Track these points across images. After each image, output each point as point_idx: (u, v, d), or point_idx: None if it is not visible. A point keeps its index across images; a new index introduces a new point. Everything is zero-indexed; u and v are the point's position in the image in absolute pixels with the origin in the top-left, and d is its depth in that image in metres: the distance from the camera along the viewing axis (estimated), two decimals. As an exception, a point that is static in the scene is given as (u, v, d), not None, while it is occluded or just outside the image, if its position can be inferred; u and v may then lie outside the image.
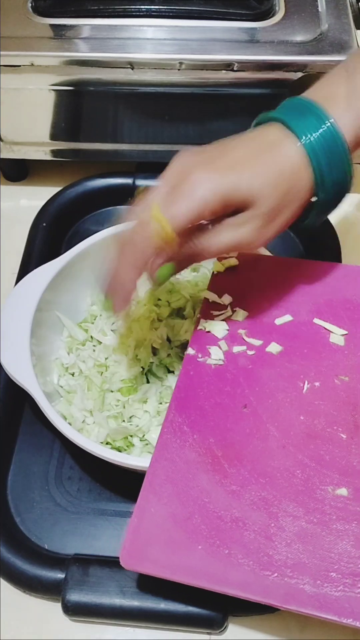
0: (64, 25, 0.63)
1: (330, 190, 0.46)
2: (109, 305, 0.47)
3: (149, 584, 0.48)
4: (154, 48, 0.61)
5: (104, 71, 0.62)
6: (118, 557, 0.51)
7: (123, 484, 0.55)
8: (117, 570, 0.49)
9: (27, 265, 0.65)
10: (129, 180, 0.71)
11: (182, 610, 0.47)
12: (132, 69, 0.61)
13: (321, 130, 0.44)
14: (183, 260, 0.47)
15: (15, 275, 0.65)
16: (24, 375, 0.52)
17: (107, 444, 0.53)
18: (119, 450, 0.52)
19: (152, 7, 0.64)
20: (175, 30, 0.63)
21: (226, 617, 0.48)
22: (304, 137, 0.44)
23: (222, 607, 0.47)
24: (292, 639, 0.49)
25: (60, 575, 0.49)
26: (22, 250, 0.68)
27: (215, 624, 0.47)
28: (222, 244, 0.45)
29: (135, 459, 0.50)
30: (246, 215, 0.44)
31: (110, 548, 0.52)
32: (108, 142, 0.69)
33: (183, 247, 0.45)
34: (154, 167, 0.70)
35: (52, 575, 0.49)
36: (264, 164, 0.44)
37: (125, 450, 0.53)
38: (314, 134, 0.44)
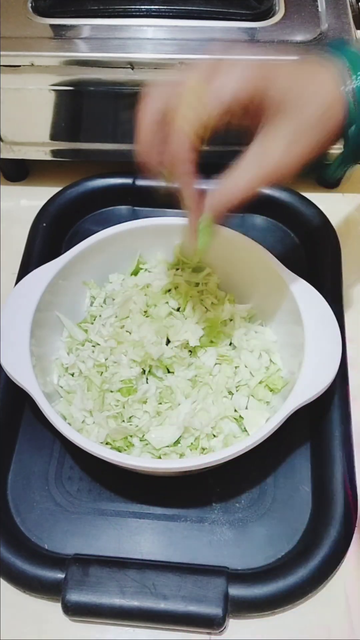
0: (64, 25, 0.63)
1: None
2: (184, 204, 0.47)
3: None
4: (154, 48, 0.61)
5: (104, 71, 0.62)
6: (118, 557, 0.51)
7: (123, 484, 0.55)
8: (117, 570, 0.49)
9: (27, 265, 0.65)
10: (129, 180, 0.71)
11: (182, 610, 0.47)
12: (132, 69, 0.61)
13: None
14: (218, 209, 0.46)
15: (15, 275, 0.65)
16: (23, 376, 0.52)
17: (106, 444, 0.53)
18: (118, 450, 0.52)
19: (152, 7, 0.64)
20: (175, 30, 0.63)
21: (226, 617, 0.48)
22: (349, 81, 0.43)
23: (222, 607, 0.47)
24: (291, 639, 0.49)
25: (60, 575, 0.49)
26: (22, 250, 0.68)
27: (215, 624, 0.47)
28: (251, 171, 0.44)
29: (135, 459, 0.50)
30: (275, 126, 0.43)
31: (110, 548, 0.52)
32: (108, 142, 0.69)
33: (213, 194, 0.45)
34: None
35: (52, 575, 0.49)
36: (304, 76, 0.43)
37: (125, 450, 0.53)
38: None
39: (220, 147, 0.69)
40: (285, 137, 0.43)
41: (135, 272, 0.63)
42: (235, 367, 0.57)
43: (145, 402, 0.54)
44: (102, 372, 0.56)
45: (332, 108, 0.43)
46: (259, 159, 0.44)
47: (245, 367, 0.56)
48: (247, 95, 0.42)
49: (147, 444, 0.53)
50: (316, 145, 0.44)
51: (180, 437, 0.53)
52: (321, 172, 0.48)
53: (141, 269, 0.63)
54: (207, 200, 0.46)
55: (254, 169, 0.44)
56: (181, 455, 0.53)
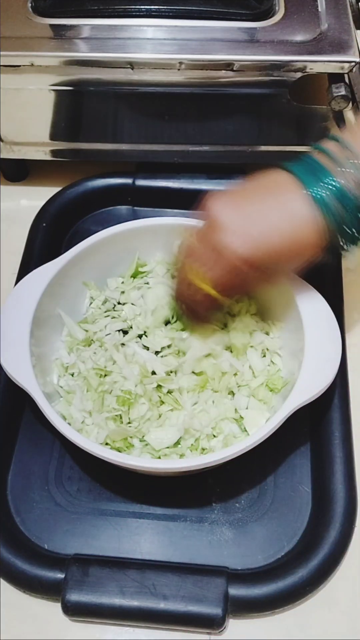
0: (64, 25, 0.63)
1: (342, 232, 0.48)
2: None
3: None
4: (154, 48, 0.61)
5: (104, 71, 0.62)
6: (118, 557, 0.51)
7: (123, 484, 0.55)
8: (117, 570, 0.49)
9: (27, 265, 0.65)
10: (129, 180, 0.71)
11: (182, 610, 0.47)
12: (132, 69, 0.61)
13: (330, 190, 0.46)
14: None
15: (15, 275, 0.65)
16: (23, 376, 0.52)
17: (106, 444, 0.53)
18: (118, 450, 0.52)
19: (152, 7, 0.63)
20: (175, 30, 0.63)
21: (226, 617, 0.48)
22: (318, 203, 0.47)
23: (222, 607, 0.47)
24: (291, 639, 0.49)
25: (60, 575, 0.49)
26: (22, 250, 0.68)
27: (215, 624, 0.47)
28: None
29: (135, 459, 0.50)
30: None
31: (110, 548, 0.52)
32: (108, 142, 0.69)
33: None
34: (154, 167, 0.71)
35: (52, 575, 0.49)
36: (280, 230, 0.48)
37: (124, 450, 0.53)
38: (324, 193, 0.46)
39: (220, 147, 0.69)
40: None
41: (134, 275, 0.63)
42: (235, 374, 0.56)
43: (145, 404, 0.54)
44: (101, 375, 0.56)
45: (308, 239, 0.48)
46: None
47: (250, 367, 0.56)
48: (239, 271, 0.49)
49: (146, 445, 0.53)
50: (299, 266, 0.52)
51: (180, 437, 0.53)
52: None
53: (140, 272, 0.63)
54: None
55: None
56: (181, 456, 0.53)
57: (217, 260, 0.48)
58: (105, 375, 0.56)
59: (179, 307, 0.55)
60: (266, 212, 0.48)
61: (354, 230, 0.47)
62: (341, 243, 0.48)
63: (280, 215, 0.48)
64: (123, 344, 0.57)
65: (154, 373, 0.55)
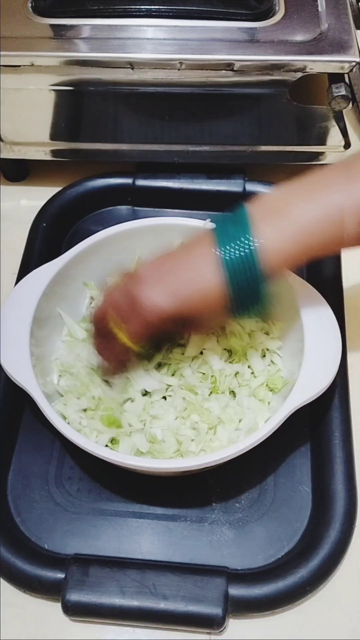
0: (64, 25, 0.63)
1: (239, 300, 0.47)
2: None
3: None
4: (154, 48, 0.61)
5: (104, 71, 0.62)
6: (118, 557, 0.51)
7: (123, 484, 0.55)
8: (117, 570, 0.49)
9: (27, 265, 0.65)
10: (129, 180, 0.71)
11: (182, 610, 0.47)
12: (132, 69, 0.61)
13: (241, 253, 0.45)
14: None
15: (16, 275, 0.65)
16: (23, 376, 0.52)
17: (105, 445, 0.53)
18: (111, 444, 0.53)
19: (152, 7, 0.63)
20: (175, 30, 0.63)
21: (226, 617, 0.48)
22: (224, 260, 0.46)
23: (222, 607, 0.47)
24: (291, 639, 0.49)
25: (60, 575, 0.49)
26: (22, 250, 0.68)
27: (215, 624, 0.47)
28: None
29: (136, 459, 0.50)
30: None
31: (110, 548, 0.52)
32: (108, 142, 0.69)
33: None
34: (154, 167, 0.71)
35: (52, 575, 0.49)
36: (188, 286, 0.47)
37: (116, 443, 0.53)
38: (234, 255, 0.45)
39: (220, 147, 0.69)
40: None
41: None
42: (236, 374, 0.56)
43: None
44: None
45: (215, 296, 0.47)
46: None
47: (249, 367, 0.56)
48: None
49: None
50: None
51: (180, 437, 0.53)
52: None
53: None
54: None
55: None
56: (179, 454, 0.53)
57: (132, 312, 0.48)
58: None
59: (97, 354, 0.54)
60: (179, 268, 0.48)
61: (247, 300, 0.47)
62: (235, 307, 0.48)
63: (189, 272, 0.47)
64: None
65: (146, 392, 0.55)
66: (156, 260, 0.49)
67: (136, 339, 0.49)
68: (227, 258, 0.45)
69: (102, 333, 0.51)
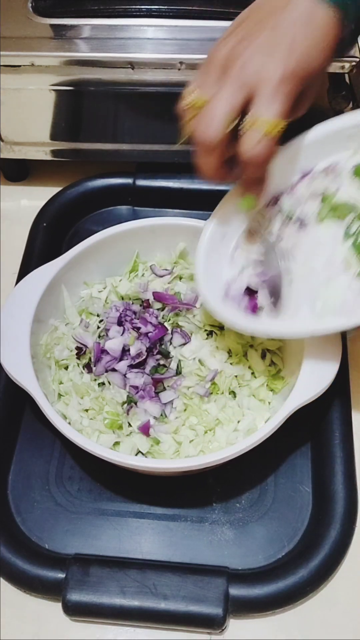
0: (64, 25, 0.63)
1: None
2: (246, 202, 0.50)
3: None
4: (154, 48, 0.61)
5: (104, 71, 0.62)
6: (118, 557, 0.51)
7: (123, 484, 0.55)
8: (118, 570, 0.49)
9: (28, 265, 0.65)
10: (129, 180, 0.71)
11: (182, 610, 0.47)
12: (132, 68, 0.61)
13: None
14: (253, 182, 0.48)
15: (16, 275, 0.65)
16: (24, 375, 0.52)
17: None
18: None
19: (152, 7, 0.63)
20: (175, 30, 0.63)
21: (226, 617, 0.48)
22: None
23: (222, 607, 0.47)
24: (292, 639, 0.49)
25: (61, 575, 0.49)
26: (23, 250, 0.68)
27: (216, 624, 0.47)
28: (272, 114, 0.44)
29: (136, 459, 0.50)
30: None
31: (111, 548, 0.52)
32: (108, 142, 0.69)
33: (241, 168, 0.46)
34: (154, 167, 0.71)
35: (53, 575, 0.49)
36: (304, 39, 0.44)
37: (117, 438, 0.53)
38: None
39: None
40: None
41: (134, 269, 0.63)
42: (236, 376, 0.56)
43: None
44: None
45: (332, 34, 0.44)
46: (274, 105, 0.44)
47: (249, 367, 0.56)
48: None
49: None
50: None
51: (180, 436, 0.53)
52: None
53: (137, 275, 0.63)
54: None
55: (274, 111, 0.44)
56: (179, 454, 0.53)
57: (266, 89, 0.43)
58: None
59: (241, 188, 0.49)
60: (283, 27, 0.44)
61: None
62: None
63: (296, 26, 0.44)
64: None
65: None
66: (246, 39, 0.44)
67: (284, 114, 0.44)
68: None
69: (215, 150, 0.45)
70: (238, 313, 0.52)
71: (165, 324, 0.58)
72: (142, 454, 0.53)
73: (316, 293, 0.49)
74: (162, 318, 0.59)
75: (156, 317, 0.58)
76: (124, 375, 0.55)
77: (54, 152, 0.71)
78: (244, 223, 0.54)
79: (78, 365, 0.57)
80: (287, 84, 0.43)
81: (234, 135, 0.45)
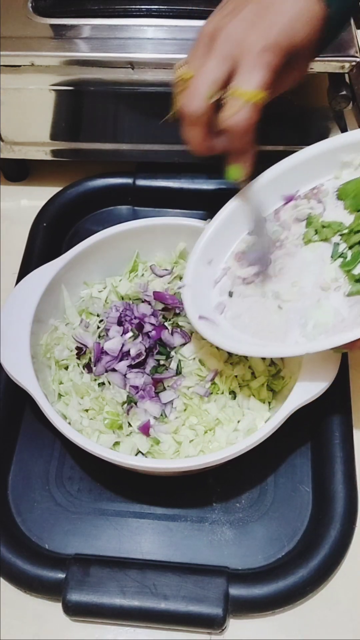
0: (64, 25, 0.63)
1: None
2: (232, 171, 0.49)
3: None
4: (154, 48, 0.61)
5: (104, 71, 0.62)
6: (118, 557, 0.51)
7: (123, 484, 0.55)
8: (118, 570, 0.49)
9: (28, 265, 0.65)
10: (129, 180, 0.71)
11: (182, 610, 0.47)
12: (133, 68, 0.61)
13: None
14: (237, 152, 0.48)
15: (16, 275, 0.65)
16: (24, 375, 0.52)
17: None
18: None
19: (152, 7, 0.63)
20: (176, 30, 0.63)
21: (226, 617, 0.48)
22: None
23: (222, 607, 0.47)
24: (292, 639, 0.49)
25: (61, 575, 0.49)
26: (23, 250, 0.68)
27: (216, 624, 0.47)
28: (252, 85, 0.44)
29: (136, 459, 0.50)
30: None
31: (111, 548, 0.52)
32: (108, 142, 0.69)
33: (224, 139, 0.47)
34: (154, 167, 0.71)
35: (53, 575, 0.49)
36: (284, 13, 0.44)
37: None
38: None
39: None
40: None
41: (134, 269, 0.63)
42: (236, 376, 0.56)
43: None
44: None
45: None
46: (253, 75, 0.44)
47: (249, 367, 0.56)
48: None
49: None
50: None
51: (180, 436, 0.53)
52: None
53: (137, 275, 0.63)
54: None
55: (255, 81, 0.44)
56: (178, 454, 0.53)
57: (248, 59, 0.43)
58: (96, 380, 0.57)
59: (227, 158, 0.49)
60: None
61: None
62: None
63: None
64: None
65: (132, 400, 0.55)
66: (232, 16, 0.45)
67: (265, 85, 0.44)
68: None
69: (200, 121, 0.46)
70: (228, 333, 0.52)
71: (165, 323, 0.58)
72: (142, 454, 0.53)
73: (306, 315, 0.50)
74: (162, 318, 0.59)
75: (156, 317, 0.58)
76: (124, 375, 0.55)
77: (54, 152, 0.71)
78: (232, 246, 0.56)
79: (78, 365, 0.57)
80: (268, 54, 0.44)
81: (220, 106, 0.46)
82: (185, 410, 0.54)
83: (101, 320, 0.59)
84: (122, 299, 0.61)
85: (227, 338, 0.51)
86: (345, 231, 0.52)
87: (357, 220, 0.51)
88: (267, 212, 0.55)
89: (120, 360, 0.56)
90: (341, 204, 0.54)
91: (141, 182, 0.71)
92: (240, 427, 0.54)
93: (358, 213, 0.52)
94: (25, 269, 0.65)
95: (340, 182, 0.54)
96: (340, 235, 0.52)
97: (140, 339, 0.56)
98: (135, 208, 0.72)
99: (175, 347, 0.57)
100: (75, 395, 0.55)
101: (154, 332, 0.57)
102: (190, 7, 0.63)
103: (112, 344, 0.56)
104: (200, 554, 0.52)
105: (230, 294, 0.54)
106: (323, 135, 0.67)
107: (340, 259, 0.51)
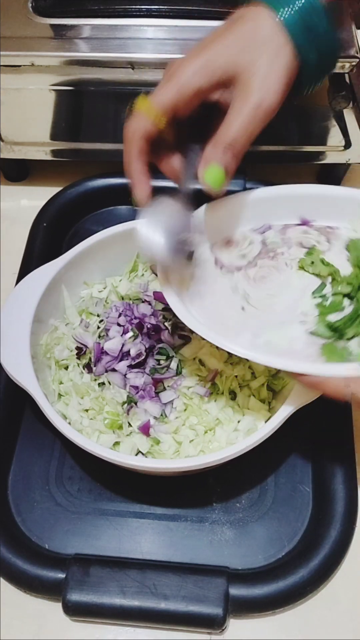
0: (64, 25, 0.63)
1: (315, 54, 0.46)
2: (134, 201, 0.50)
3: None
4: (155, 48, 0.61)
5: (104, 71, 0.62)
6: (119, 557, 0.51)
7: (123, 484, 0.55)
8: (118, 570, 0.49)
9: (28, 265, 0.65)
10: (129, 180, 0.71)
11: (182, 610, 0.47)
12: (133, 68, 0.61)
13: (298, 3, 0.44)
14: (220, 156, 0.48)
15: (16, 275, 0.65)
16: (24, 375, 0.52)
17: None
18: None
19: (152, 7, 0.63)
20: (176, 30, 0.63)
21: (227, 617, 0.48)
22: (280, 10, 0.45)
23: (222, 607, 0.47)
24: (292, 639, 0.49)
25: (61, 575, 0.49)
26: (23, 250, 0.68)
27: (216, 624, 0.48)
28: (237, 122, 0.46)
29: (136, 459, 0.50)
30: (235, 91, 0.46)
31: (111, 548, 0.52)
32: (108, 142, 0.69)
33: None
34: (154, 167, 0.71)
35: (53, 575, 0.49)
36: (237, 35, 0.46)
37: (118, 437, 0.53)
38: (290, 8, 0.44)
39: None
40: (244, 97, 0.46)
41: (134, 269, 0.63)
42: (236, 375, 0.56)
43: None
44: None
45: (276, 42, 0.45)
46: (243, 105, 0.46)
47: (249, 367, 0.56)
48: (195, 88, 0.46)
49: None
50: (281, 86, 0.46)
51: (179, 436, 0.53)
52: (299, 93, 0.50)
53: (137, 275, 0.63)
54: (207, 152, 0.48)
55: (244, 113, 0.46)
56: (179, 454, 0.53)
57: (165, 80, 0.47)
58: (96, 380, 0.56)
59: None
60: (223, 32, 0.47)
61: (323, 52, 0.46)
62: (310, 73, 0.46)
63: (239, 29, 0.46)
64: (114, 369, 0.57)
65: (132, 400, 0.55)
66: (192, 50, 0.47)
67: (163, 106, 0.46)
68: (291, 13, 0.44)
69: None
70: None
71: (166, 323, 0.58)
72: (142, 454, 0.53)
73: (264, 329, 0.50)
74: (162, 318, 0.59)
75: (156, 317, 0.58)
76: (124, 375, 0.55)
77: (54, 152, 0.71)
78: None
79: (78, 365, 0.57)
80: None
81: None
82: (185, 410, 0.54)
83: (101, 321, 0.59)
84: (123, 299, 0.61)
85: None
86: (339, 279, 0.52)
87: (353, 275, 0.52)
88: (276, 223, 0.55)
89: (121, 360, 0.56)
90: (346, 254, 0.54)
91: (141, 182, 0.71)
92: (240, 427, 0.54)
93: (357, 269, 0.52)
94: (25, 269, 0.65)
95: (356, 236, 0.54)
96: (333, 279, 0.52)
97: (140, 339, 0.56)
98: (135, 208, 0.72)
99: (175, 347, 0.57)
100: (75, 395, 0.55)
101: (153, 332, 0.57)
102: (190, 7, 0.63)
103: (112, 344, 0.56)
104: (200, 554, 0.52)
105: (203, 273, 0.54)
106: (322, 135, 0.67)
107: (320, 299, 0.51)
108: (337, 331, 0.49)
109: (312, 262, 0.53)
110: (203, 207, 0.54)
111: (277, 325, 0.50)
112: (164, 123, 0.47)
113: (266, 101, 0.46)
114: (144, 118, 0.47)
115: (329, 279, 0.53)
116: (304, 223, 0.55)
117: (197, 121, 0.49)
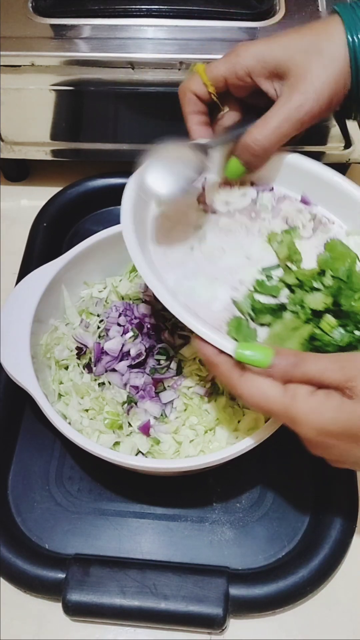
0: (65, 25, 0.63)
1: None
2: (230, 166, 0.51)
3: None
4: (155, 48, 0.61)
5: (104, 71, 0.62)
6: (119, 557, 0.51)
7: (123, 484, 0.55)
8: (118, 570, 0.49)
9: (28, 265, 0.65)
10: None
11: (182, 610, 0.47)
12: (133, 68, 0.61)
13: None
14: (245, 154, 0.50)
15: (16, 275, 0.65)
16: (24, 375, 0.52)
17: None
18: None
19: (152, 7, 0.63)
20: (176, 30, 0.63)
21: (227, 617, 0.48)
22: (353, 32, 0.46)
23: (222, 607, 0.47)
24: (292, 639, 0.49)
25: (61, 575, 0.49)
26: (23, 250, 0.68)
27: (216, 624, 0.47)
28: (269, 123, 0.48)
29: (136, 459, 0.50)
30: (283, 87, 0.47)
31: (111, 548, 0.52)
32: (108, 142, 0.69)
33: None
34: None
35: (53, 575, 0.49)
36: (304, 37, 0.47)
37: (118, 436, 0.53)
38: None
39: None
40: (290, 94, 0.47)
41: (134, 269, 0.63)
42: None
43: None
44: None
45: (337, 57, 0.46)
46: (285, 103, 0.47)
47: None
48: (246, 67, 0.48)
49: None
50: (333, 95, 0.47)
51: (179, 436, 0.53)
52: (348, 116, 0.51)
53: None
54: (237, 144, 0.50)
55: (283, 111, 0.47)
56: (179, 454, 0.53)
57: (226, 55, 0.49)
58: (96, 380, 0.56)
59: None
60: (293, 32, 0.48)
61: None
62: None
63: (308, 33, 0.47)
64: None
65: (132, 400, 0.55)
66: None
67: (213, 76, 0.49)
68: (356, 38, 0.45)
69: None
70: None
71: (166, 323, 0.58)
72: (142, 454, 0.53)
73: (196, 275, 0.49)
74: (163, 318, 0.59)
75: (156, 317, 0.58)
76: (124, 375, 0.55)
77: (54, 152, 0.71)
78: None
79: (78, 365, 0.57)
80: None
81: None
82: (185, 410, 0.54)
83: (101, 321, 0.59)
84: (123, 299, 0.61)
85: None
86: (295, 269, 0.50)
87: (309, 273, 0.49)
88: (279, 190, 0.54)
89: (121, 360, 0.56)
90: (321, 251, 0.52)
91: (141, 182, 0.71)
92: (240, 427, 0.54)
93: (318, 273, 0.50)
94: (25, 269, 0.65)
95: (344, 240, 0.53)
96: (290, 265, 0.51)
97: (140, 339, 0.56)
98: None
99: (175, 347, 0.57)
100: (75, 395, 0.55)
101: (153, 332, 0.57)
102: (190, 7, 0.63)
103: (112, 344, 0.56)
104: (200, 554, 0.52)
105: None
106: (322, 135, 0.67)
107: (264, 278, 0.50)
108: (254, 312, 0.48)
109: (281, 241, 0.51)
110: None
111: (209, 278, 0.49)
112: (213, 90, 0.49)
113: (307, 105, 0.46)
114: (197, 80, 0.49)
115: (286, 263, 0.51)
116: (304, 202, 0.54)
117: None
